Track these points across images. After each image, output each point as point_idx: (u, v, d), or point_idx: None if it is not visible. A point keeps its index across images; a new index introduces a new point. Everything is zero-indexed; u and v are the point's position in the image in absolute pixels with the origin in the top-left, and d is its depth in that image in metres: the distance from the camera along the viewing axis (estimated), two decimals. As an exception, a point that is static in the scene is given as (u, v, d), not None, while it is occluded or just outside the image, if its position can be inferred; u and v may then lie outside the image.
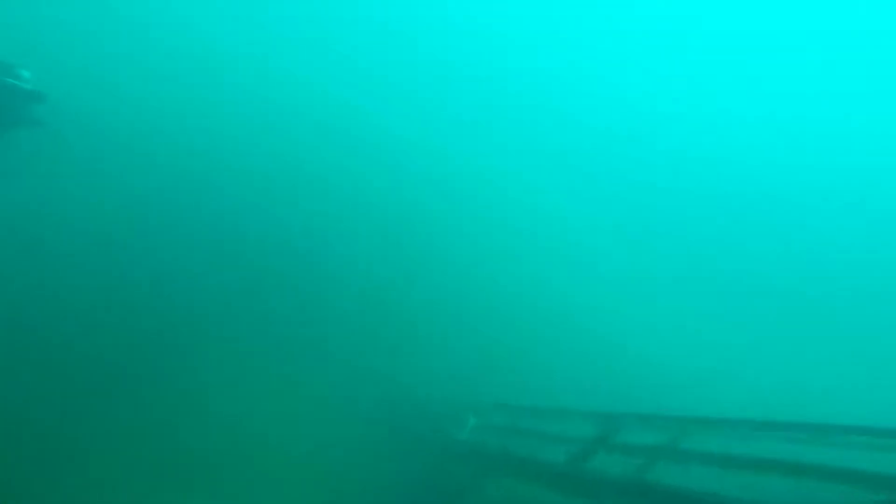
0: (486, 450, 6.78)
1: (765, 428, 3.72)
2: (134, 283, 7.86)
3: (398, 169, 16.08)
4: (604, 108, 29.23)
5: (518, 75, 27.87)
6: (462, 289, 12.21)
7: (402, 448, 7.30)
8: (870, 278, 22.49)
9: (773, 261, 23.36)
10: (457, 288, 12.14)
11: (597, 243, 19.66)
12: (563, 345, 11.50)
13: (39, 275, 7.13)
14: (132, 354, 6.81)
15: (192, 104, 13.28)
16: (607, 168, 25.56)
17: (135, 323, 7.30)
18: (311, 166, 13.69)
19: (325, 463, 6.64)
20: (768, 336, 17.41)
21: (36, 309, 6.65)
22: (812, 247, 24.83)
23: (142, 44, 14.14)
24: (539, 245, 17.01)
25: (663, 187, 25.83)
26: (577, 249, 18.34)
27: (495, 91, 25.90)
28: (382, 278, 11.23)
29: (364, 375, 8.32)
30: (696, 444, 4.24)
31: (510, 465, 6.33)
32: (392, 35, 24.35)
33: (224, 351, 7.47)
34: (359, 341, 9.15)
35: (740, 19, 32.50)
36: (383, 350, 9.22)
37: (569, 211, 21.08)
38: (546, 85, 28.44)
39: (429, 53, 25.18)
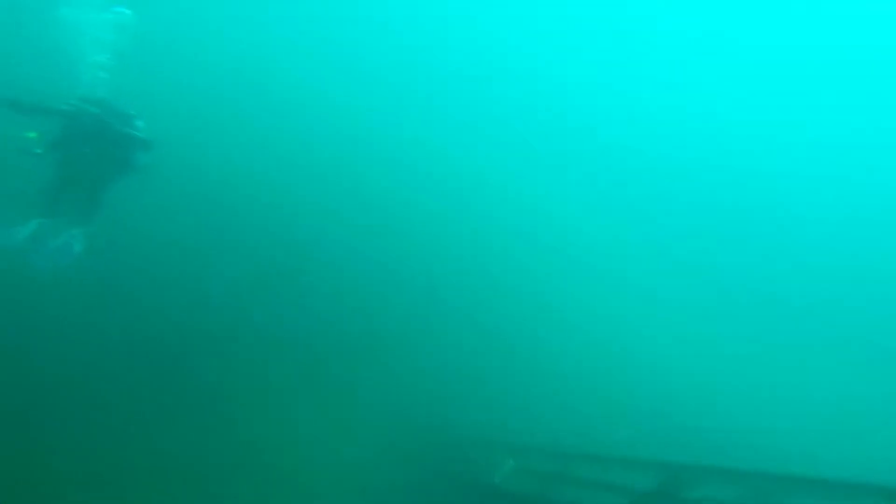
0: (525, 496, 6.34)
1: (870, 493, 3.29)
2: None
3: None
4: (642, 121, 29.00)
5: (557, 95, 27.99)
6: (506, 322, 11.91)
7: (433, 488, 6.93)
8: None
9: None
10: (501, 321, 11.85)
11: (655, 268, 19.11)
12: (618, 385, 11.01)
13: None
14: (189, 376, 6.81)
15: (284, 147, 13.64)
16: (653, 184, 25.21)
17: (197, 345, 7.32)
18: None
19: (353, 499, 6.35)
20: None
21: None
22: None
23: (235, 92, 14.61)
24: (595, 272, 16.58)
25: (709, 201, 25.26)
26: (636, 277, 17.81)
27: (536, 114, 25.98)
28: (421, 307, 11.04)
29: (397, 409, 8.04)
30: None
31: (550, 515, 5.88)
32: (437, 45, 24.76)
33: (255, 379, 7.35)
34: (394, 373, 8.90)
35: (753, 24, 32.26)
36: (418, 383, 8.94)
37: (627, 238, 20.65)
38: (584, 101, 28.45)
39: (460, 62, 25.56)
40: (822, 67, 31.55)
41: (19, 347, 6.11)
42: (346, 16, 21.74)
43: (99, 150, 5.85)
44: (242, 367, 7.30)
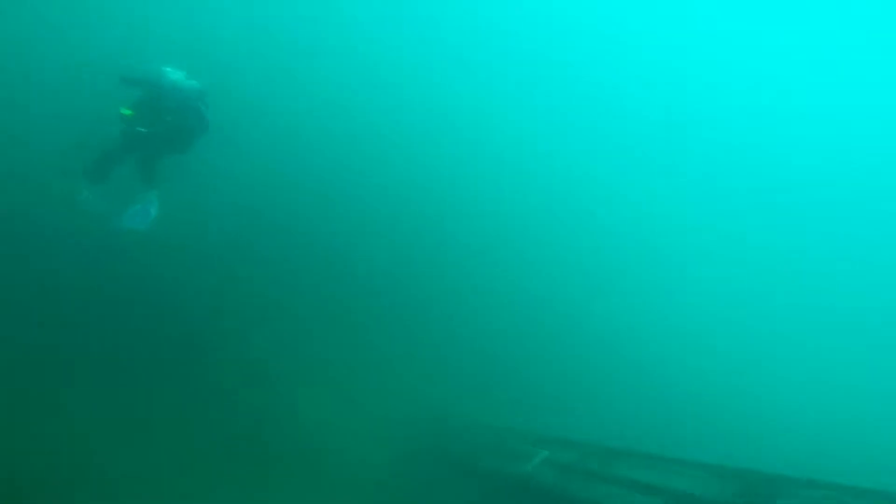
0: (552, 487, 5.96)
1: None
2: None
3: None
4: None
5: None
6: (557, 316, 11.48)
7: (462, 477, 6.69)
8: None
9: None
10: (551, 314, 11.43)
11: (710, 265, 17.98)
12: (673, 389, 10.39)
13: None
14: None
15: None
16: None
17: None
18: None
19: (380, 482, 6.15)
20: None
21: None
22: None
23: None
24: (653, 266, 15.78)
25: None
26: (693, 271, 16.85)
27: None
28: (463, 297, 10.77)
29: (435, 397, 7.84)
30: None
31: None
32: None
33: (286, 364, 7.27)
34: (437, 358, 8.70)
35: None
36: (455, 374, 8.70)
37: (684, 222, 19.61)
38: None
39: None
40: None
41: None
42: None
43: (177, 122, 6.02)
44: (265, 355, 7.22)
